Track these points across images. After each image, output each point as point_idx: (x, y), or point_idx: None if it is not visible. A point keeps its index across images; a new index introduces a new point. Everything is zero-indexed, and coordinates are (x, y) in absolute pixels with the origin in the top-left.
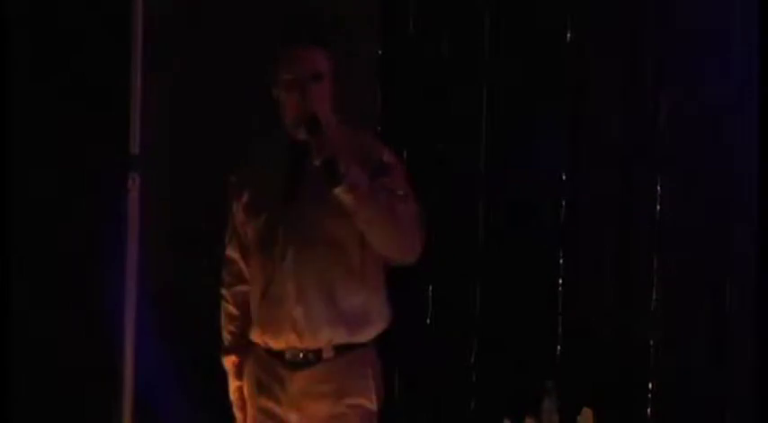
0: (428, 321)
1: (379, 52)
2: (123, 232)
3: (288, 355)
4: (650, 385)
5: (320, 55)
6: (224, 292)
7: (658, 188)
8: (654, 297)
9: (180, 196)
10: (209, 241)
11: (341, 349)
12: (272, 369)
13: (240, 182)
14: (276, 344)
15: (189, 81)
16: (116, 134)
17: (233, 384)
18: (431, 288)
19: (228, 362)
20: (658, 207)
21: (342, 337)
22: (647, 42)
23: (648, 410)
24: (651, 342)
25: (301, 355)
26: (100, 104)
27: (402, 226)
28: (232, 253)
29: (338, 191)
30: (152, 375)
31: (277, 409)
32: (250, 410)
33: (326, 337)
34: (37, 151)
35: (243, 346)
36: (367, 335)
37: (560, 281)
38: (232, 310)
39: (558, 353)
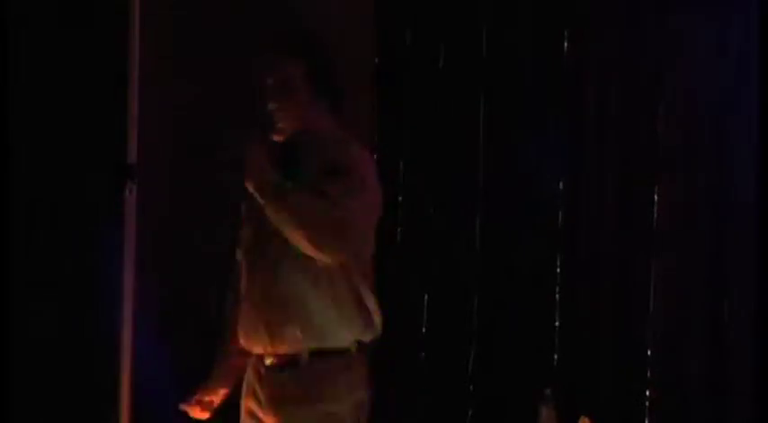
0: (424, 330)
1: (376, 60)
2: (120, 237)
3: (266, 360)
4: (648, 393)
5: (288, 62)
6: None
7: (656, 189)
8: (652, 302)
9: (177, 204)
10: (205, 245)
11: (317, 355)
12: (258, 370)
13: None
14: (255, 349)
15: (187, 89)
16: (113, 143)
17: None
18: (426, 297)
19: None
20: (656, 209)
21: (314, 343)
22: (647, 44)
23: (647, 420)
24: (649, 350)
25: (277, 360)
26: (97, 113)
27: (317, 230)
28: (237, 255)
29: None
30: (151, 377)
31: (258, 412)
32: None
33: (297, 343)
34: (36, 158)
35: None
36: (342, 341)
37: (557, 289)
38: (230, 308)
39: (555, 361)
